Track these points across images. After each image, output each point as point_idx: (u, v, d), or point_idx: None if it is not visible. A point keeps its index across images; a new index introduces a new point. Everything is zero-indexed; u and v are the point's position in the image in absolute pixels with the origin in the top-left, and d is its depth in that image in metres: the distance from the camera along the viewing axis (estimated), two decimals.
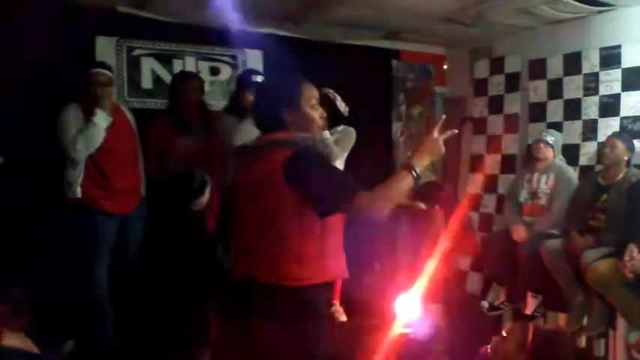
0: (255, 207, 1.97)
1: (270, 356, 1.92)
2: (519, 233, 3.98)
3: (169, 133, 3.69)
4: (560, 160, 4.19)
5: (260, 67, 4.50)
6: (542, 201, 4.05)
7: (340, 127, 3.87)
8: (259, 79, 3.69)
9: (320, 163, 1.94)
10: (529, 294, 3.93)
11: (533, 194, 4.11)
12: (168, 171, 3.54)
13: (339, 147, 3.74)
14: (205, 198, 3.34)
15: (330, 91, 3.87)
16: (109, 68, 3.62)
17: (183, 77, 3.89)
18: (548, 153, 4.11)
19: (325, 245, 1.96)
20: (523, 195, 4.15)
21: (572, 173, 4.15)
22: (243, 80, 3.79)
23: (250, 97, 3.36)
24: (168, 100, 3.84)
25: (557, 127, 4.55)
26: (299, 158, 1.86)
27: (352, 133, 3.90)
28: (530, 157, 4.30)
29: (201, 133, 3.71)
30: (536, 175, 4.15)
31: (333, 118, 3.80)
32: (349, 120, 3.94)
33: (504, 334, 3.45)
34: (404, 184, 1.85)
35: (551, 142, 4.12)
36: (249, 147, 2.08)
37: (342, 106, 3.90)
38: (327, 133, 3.74)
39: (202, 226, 3.47)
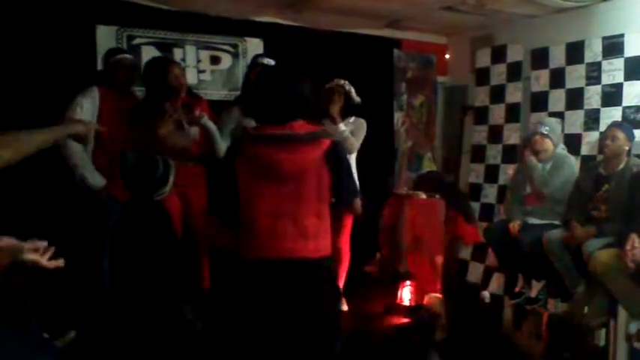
0: (293, 190, 2.14)
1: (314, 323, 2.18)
2: (515, 228, 3.96)
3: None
4: (562, 150, 4.11)
5: None
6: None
7: (352, 119, 3.87)
8: (266, 61, 3.67)
9: (346, 157, 2.30)
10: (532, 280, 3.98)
11: None
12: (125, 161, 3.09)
13: (355, 138, 3.78)
14: (169, 186, 3.04)
15: (346, 82, 3.87)
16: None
17: (165, 63, 3.43)
18: (547, 144, 4.00)
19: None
20: (527, 189, 4.10)
21: (572, 161, 4.07)
22: (250, 63, 3.84)
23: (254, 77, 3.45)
24: (149, 89, 3.40)
25: (558, 116, 4.52)
26: (338, 148, 2.20)
27: (364, 124, 3.89)
28: (530, 149, 4.14)
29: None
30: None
31: (345, 110, 3.84)
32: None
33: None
34: None
35: (546, 132, 4.00)
36: (280, 136, 2.14)
37: (355, 97, 3.90)
38: (342, 126, 3.77)
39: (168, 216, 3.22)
